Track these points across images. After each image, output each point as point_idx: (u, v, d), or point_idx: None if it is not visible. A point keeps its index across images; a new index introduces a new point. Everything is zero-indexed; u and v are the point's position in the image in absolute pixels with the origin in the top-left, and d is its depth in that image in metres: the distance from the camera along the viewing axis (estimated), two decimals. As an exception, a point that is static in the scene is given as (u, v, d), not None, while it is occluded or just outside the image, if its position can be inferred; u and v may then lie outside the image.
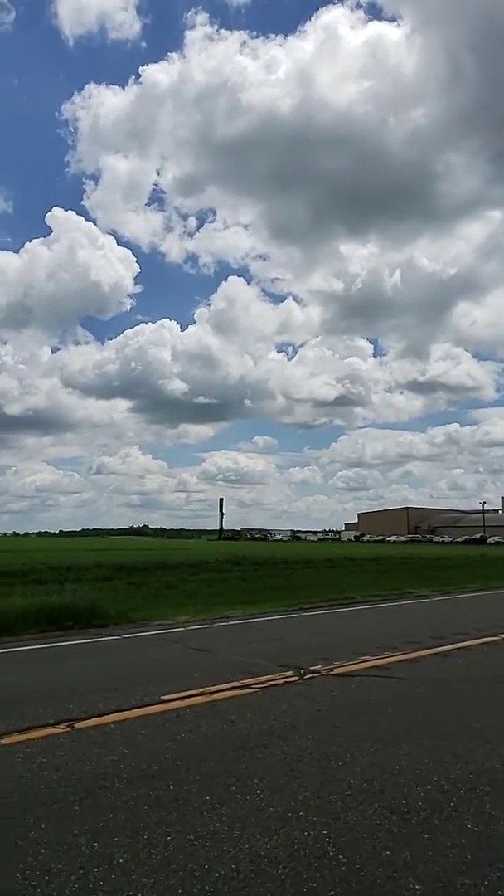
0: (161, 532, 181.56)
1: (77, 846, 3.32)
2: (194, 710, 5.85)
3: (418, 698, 6.39)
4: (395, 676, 7.24)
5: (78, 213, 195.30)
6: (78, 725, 5.37)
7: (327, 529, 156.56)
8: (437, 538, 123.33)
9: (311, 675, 7.24)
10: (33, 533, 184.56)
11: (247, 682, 6.87)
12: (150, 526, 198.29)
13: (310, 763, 4.53)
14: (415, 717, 5.70)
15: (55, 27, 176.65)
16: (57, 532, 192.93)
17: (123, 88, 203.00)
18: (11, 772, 4.34)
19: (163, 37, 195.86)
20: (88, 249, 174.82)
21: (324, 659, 8.06)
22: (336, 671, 7.46)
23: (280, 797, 3.94)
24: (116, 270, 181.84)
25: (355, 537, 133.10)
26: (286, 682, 6.91)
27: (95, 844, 3.33)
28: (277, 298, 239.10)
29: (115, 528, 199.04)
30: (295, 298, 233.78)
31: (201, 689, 6.49)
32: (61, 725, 5.36)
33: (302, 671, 7.41)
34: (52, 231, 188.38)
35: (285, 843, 3.36)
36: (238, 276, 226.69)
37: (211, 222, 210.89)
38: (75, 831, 3.48)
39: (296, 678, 7.11)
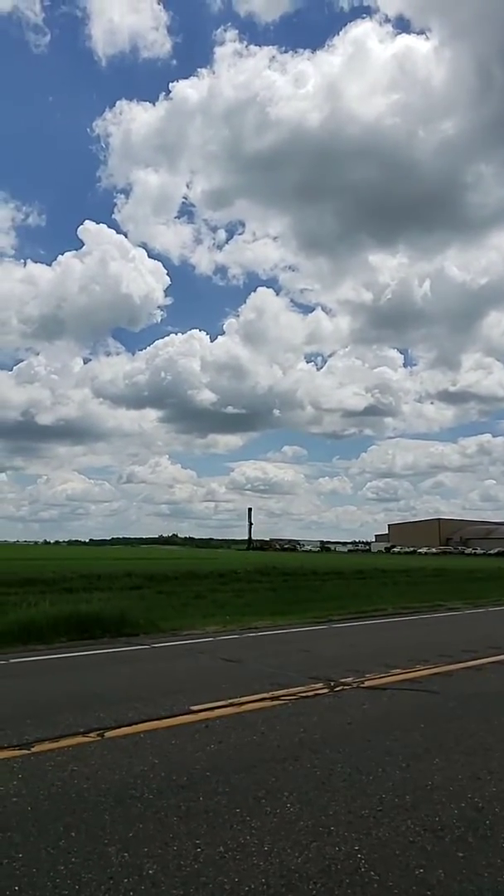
0: (190, 541, 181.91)
1: (107, 855, 3.31)
2: (224, 720, 5.83)
3: (451, 713, 6.28)
4: (428, 690, 7.13)
5: (109, 227, 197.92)
6: (108, 734, 5.38)
7: (357, 540, 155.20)
8: (469, 550, 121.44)
9: (341, 688, 7.16)
10: (64, 541, 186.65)
11: (276, 693, 6.82)
12: (179, 535, 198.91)
13: (341, 777, 4.48)
14: (448, 732, 5.60)
15: (89, 48, 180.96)
16: (87, 541, 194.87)
17: (154, 104, 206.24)
18: (43, 780, 4.36)
19: (193, 53, 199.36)
20: (120, 262, 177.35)
21: (354, 671, 7.98)
22: (367, 684, 7.37)
23: (311, 811, 3.90)
24: (147, 283, 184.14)
25: (386, 549, 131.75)
26: (316, 695, 6.85)
27: (125, 854, 3.33)
28: (306, 309, 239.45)
29: (144, 536, 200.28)
30: (324, 309, 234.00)
31: (231, 700, 6.46)
32: (92, 734, 5.37)
33: (332, 683, 7.34)
34: (84, 244, 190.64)
35: (316, 859, 3.31)
36: (267, 287, 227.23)
37: (240, 234, 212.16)
38: (105, 840, 3.48)
39: (326, 690, 7.04)
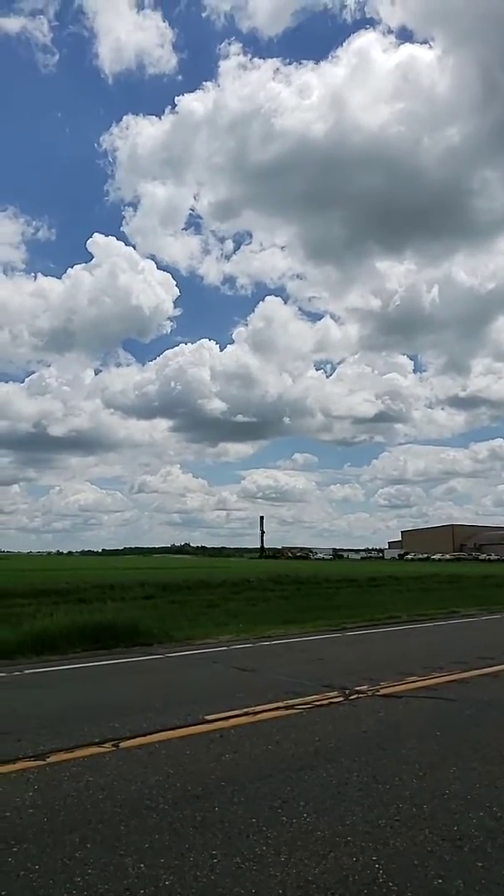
0: (202, 550, 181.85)
1: (123, 867, 3.30)
2: (238, 730, 5.80)
3: (468, 720, 6.22)
4: (444, 697, 7.07)
5: (118, 239, 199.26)
6: (123, 745, 5.37)
7: (370, 548, 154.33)
8: (483, 556, 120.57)
9: (356, 696, 7.12)
10: (77, 551, 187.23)
11: (291, 702, 6.79)
12: (191, 544, 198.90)
13: (357, 786, 4.44)
14: (465, 740, 5.55)
15: (96, 66, 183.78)
16: (100, 550, 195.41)
17: (160, 118, 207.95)
18: (59, 791, 4.35)
19: (198, 68, 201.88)
20: (129, 274, 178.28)
21: (369, 679, 7.93)
22: (382, 692, 7.32)
23: (327, 821, 3.87)
24: (157, 294, 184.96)
25: (399, 555, 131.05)
26: (331, 703, 6.81)
27: (142, 865, 3.31)
28: (315, 317, 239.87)
29: (156, 546, 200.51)
30: (332, 316, 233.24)
31: (245, 710, 6.43)
32: (107, 744, 5.37)
33: (347, 692, 7.29)
34: (93, 257, 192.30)
35: (333, 869, 3.29)
36: (275, 295, 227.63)
37: (247, 244, 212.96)
38: (121, 852, 3.47)
39: (341, 699, 7.00)
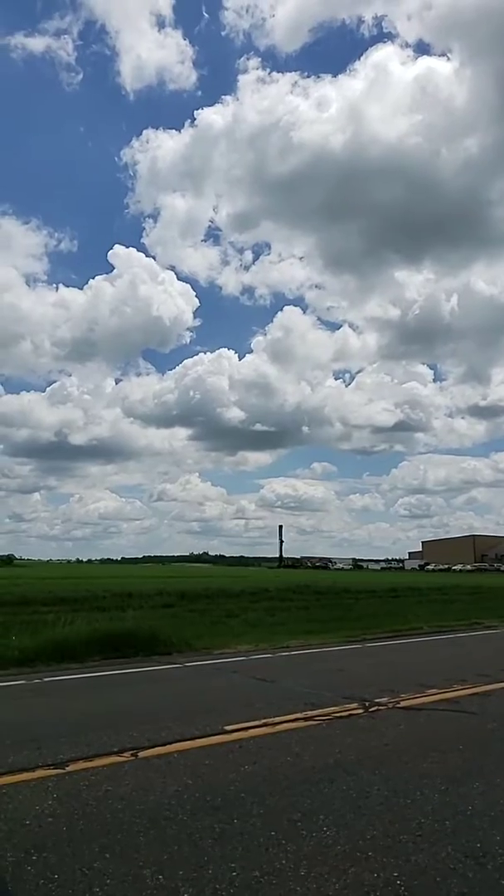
0: (221, 559, 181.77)
1: (142, 878, 3.28)
2: (257, 741, 5.77)
3: (491, 734, 6.13)
4: (466, 711, 6.97)
5: (138, 251, 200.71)
6: (142, 754, 5.36)
7: (390, 558, 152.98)
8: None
9: (376, 708, 7.05)
10: (96, 560, 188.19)
11: (310, 713, 6.74)
12: (210, 553, 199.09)
13: (377, 800, 4.39)
14: (487, 755, 5.46)
15: (118, 84, 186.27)
16: (119, 559, 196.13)
17: (179, 131, 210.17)
18: (78, 800, 4.35)
19: (217, 82, 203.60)
20: (149, 285, 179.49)
21: (389, 691, 7.84)
22: (403, 704, 7.24)
23: (347, 835, 3.82)
24: (177, 305, 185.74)
25: (420, 566, 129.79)
26: (351, 715, 6.74)
27: (160, 877, 3.29)
28: (333, 326, 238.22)
29: (175, 554, 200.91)
30: (351, 326, 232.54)
31: (264, 720, 6.39)
32: (125, 754, 5.36)
33: (367, 703, 7.22)
34: (114, 268, 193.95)
35: (354, 885, 3.24)
36: (294, 305, 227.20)
37: (266, 255, 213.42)
38: (140, 863, 3.45)
39: (361, 710, 6.93)
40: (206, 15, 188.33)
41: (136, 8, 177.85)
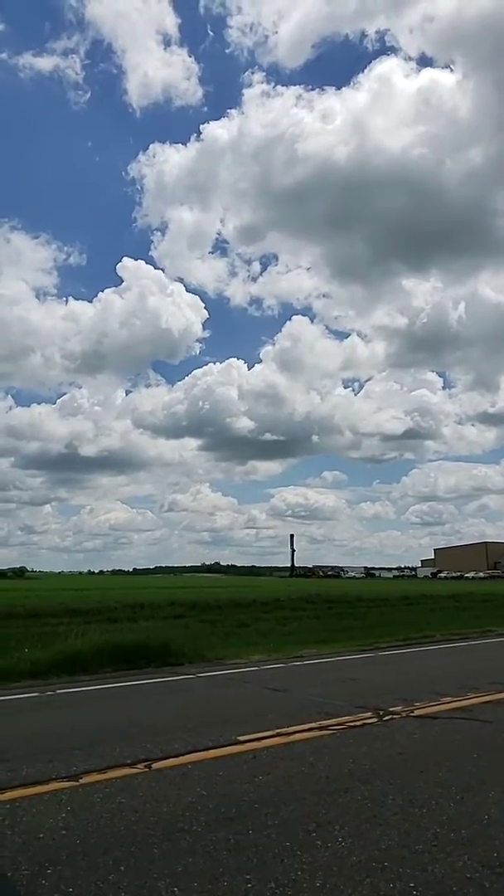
0: (232, 569, 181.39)
1: (157, 890, 3.27)
2: (271, 751, 5.74)
3: (506, 743, 6.07)
4: (480, 719, 6.91)
5: (147, 263, 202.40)
6: (155, 765, 5.34)
7: (402, 566, 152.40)
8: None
9: (390, 717, 7.00)
10: (107, 571, 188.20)
11: (324, 723, 6.70)
12: (221, 563, 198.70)
13: (393, 809, 4.35)
14: (502, 763, 5.41)
15: (125, 101, 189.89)
16: (130, 570, 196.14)
17: (185, 145, 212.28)
18: (91, 812, 4.34)
19: (222, 97, 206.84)
20: (158, 296, 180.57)
21: (403, 700, 7.79)
22: (416, 713, 7.19)
23: (363, 845, 3.79)
24: (186, 316, 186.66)
25: (432, 574, 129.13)
26: (365, 724, 6.70)
27: (175, 889, 3.28)
28: (342, 335, 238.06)
29: (186, 565, 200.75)
30: (359, 334, 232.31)
31: (278, 730, 6.37)
32: (139, 765, 5.35)
33: (381, 712, 7.18)
34: (123, 281, 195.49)
35: (370, 895, 3.21)
36: (302, 315, 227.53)
37: (273, 266, 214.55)
38: (155, 875, 3.43)
39: (375, 720, 6.89)
40: (210, 33, 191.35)
41: (143, 27, 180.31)
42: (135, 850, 3.75)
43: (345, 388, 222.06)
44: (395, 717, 7.02)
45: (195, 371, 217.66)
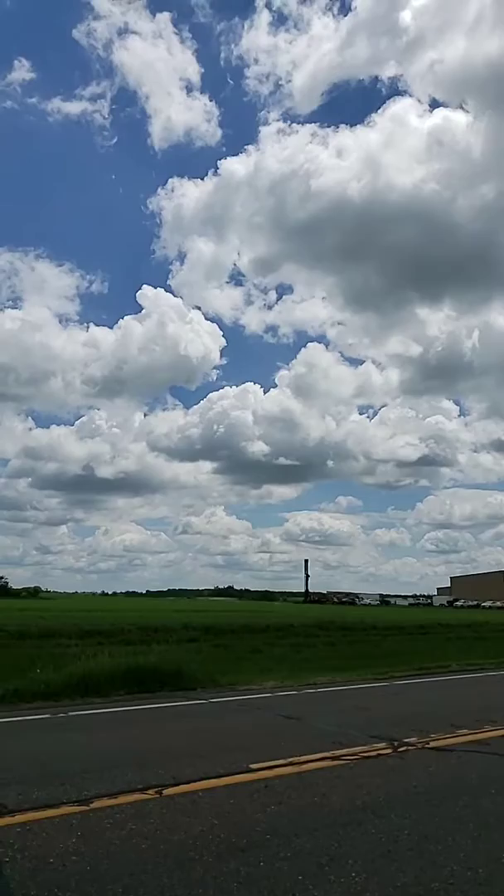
0: (246, 593, 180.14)
1: (166, 921, 3.22)
2: (283, 780, 5.66)
3: (524, 778, 5.93)
4: (498, 753, 6.77)
5: (166, 291, 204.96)
6: (166, 792, 5.29)
7: (418, 594, 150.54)
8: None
9: (405, 748, 6.88)
10: (121, 592, 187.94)
11: (337, 752, 6.60)
12: (235, 587, 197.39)
13: (407, 845, 4.26)
14: (521, 800, 5.28)
15: (148, 144, 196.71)
16: (144, 592, 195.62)
17: (203, 180, 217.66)
18: (102, 838, 4.29)
19: (240, 136, 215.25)
20: (177, 324, 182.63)
21: (418, 731, 7.66)
22: (432, 744, 7.06)
23: (377, 881, 3.71)
24: (205, 343, 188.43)
25: (448, 602, 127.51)
26: (379, 755, 6.59)
27: (185, 920, 3.22)
28: (356, 362, 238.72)
29: (200, 588, 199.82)
30: (374, 362, 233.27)
31: (290, 759, 6.28)
32: (150, 791, 5.29)
33: (396, 743, 7.06)
34: (143, 308, 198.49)
35: (384, 933, 3.14)
36: (317, 342, 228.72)
37: (289, 295, 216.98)
38: (165, 905, 3.38)
39: (389, 751, 6.78)
40: (230, 82, 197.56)
41: (167, 75, 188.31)
42: (145, 878, 3.70)
43: (359, 413, 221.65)
44: (410, 748, 6.90)
45: (211, 394, 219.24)
